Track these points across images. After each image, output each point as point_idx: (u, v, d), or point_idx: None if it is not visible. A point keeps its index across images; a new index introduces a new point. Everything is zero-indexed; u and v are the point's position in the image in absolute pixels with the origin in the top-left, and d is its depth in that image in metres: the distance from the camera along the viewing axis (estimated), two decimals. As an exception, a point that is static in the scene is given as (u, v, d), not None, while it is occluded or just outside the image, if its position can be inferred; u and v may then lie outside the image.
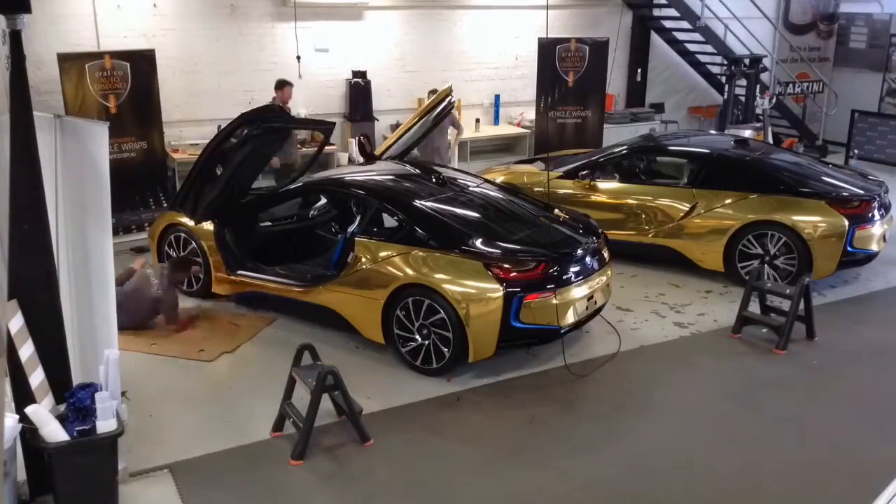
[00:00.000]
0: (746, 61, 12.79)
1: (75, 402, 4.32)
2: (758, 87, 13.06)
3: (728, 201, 8.14)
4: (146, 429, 5.47)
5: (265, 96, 11.28)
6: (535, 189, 8.87)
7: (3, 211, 3.93)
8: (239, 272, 7.32)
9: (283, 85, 9.71)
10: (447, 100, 8.33)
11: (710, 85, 14.54)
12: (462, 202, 6.98)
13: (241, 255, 7.40)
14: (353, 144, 11.14)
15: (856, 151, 13.36)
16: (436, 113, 8.35)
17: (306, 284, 6.93)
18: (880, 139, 13.60)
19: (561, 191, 8.90)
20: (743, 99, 13.16)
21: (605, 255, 6.88)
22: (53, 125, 4.66)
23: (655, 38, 14.13)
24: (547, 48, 12.14)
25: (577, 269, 6.41)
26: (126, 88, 9.67)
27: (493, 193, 7.38)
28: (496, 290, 5.98)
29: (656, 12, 13.86)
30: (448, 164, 8.25)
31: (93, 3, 10.03)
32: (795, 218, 7.79)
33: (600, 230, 7.12)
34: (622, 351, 6.83)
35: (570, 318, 6.35)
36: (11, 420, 4.10)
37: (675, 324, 7.45)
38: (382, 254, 6.46)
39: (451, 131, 10.13)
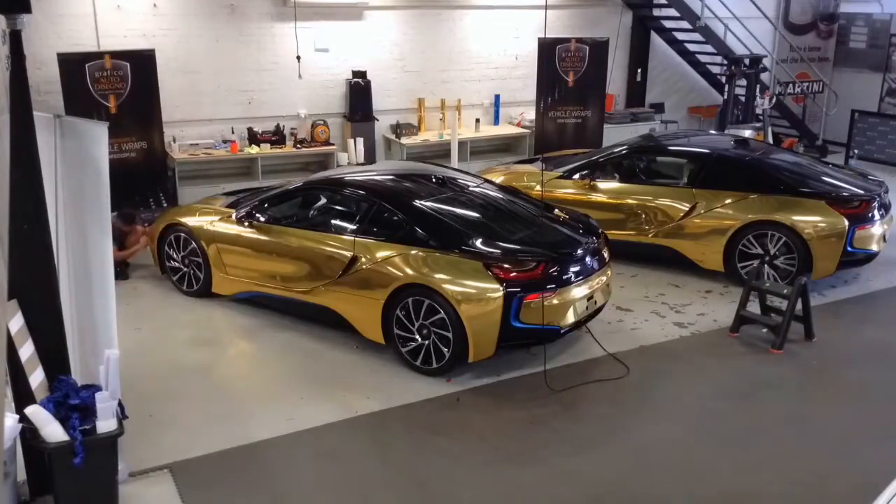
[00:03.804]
0: (746, 61, 12.79)
1: (65, 396, 4.32)
2: (758, 87, 13.06)
3: (728, 201, 8.14)
4: (146, 428, 5.46)
5: (265, 96, 11.31)
6: (536, 189, 8.88)
7: (3, 211, 3.92)
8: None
9: None
10: None
11: (710, 85, 14.53)
12: (462, 202, 6.98)
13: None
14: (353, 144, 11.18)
15: (856, 151, 13.36)
16: None
17: (306, 284, 6.93)
18: (880, 139, 13.60)
19: (561, 191, 8.91)
20: (743, 99, 13.16)
21: (606, 255, 6.88)
22: (53, 125, 4.66)
23: (655, 37, 14.13)
24: (547, 48, 12.14)
25: (577, 269, 6.41)
26: (126, 88, 9.67)
27: (493, 193, 7.38)
28: (496, 290, 5.98)
29: (656, 12, 13.85)
30: None
31: (93, 3, 10.03)
32: (795, 218, 7.79)
33: (600, 230, 7.12)
34: (622, 351, 6.84)
35: (570, 318, 6.35)
36: (11, 420, 4.10)
37: (675, 324, 7.45)
38: (382, 254, 6.46)
39: None
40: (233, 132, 10.92)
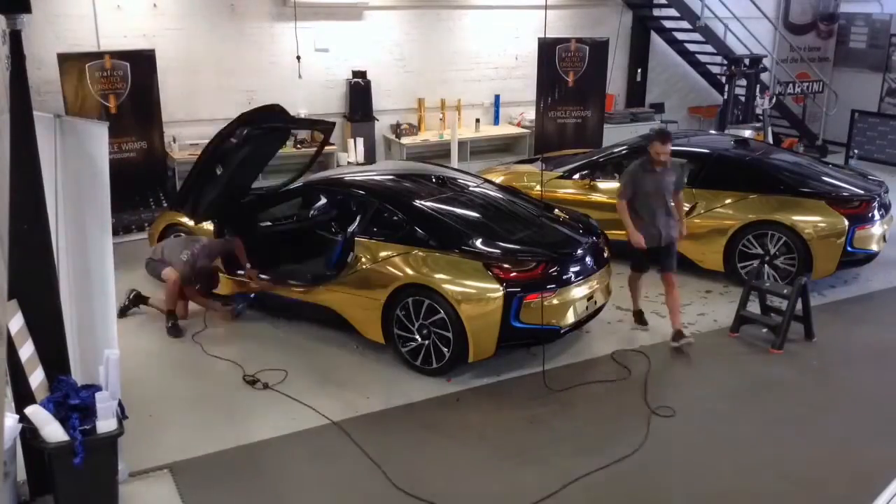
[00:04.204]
0: (746, 61, 12.79)
1: (65, 396, 4.32)
2: (758, 87, 13.05)
3: (728, 201, 8.13)
4: (146, 428, 5.46)
5: (265, 96, 11.29)
6: (536, 189, 8.89)
7: (3, 211, 3.92)
8: (238, 272, 7.33)
9: None
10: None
11: (710, 85, 14.54)
12: (462, 202, 6.98)
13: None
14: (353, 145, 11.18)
15: (855, 151, 13.36)
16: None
17: (306, 284, 6.93)
18: (880, 139, 13.59)
19: (561, 191, 8.90)
20: (743, 99, 13.16)
21: (605, 255, 6.88)
22: (53, 125, 4.66)
23: (655, 38, 14.13)
24: (547, 48, 12.15)
25: (576, 269, 6.41)
26: (126, 88, 9.68)
27: (493, 193, 7.38)
28: (496, 290, 5.98)
29: (656, 12, 13.86)
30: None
31: (93, 3, 10.04)
32: (795, 218, 7.79)
33: (600, 230, 7.12)
34: (620, 350, 6.85)
35: (570, 318, 6.35)
36: (11, 420, 4.10)
37: (675, 324, 7.44)
38: (382, 254, 6.46)
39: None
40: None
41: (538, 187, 8.81)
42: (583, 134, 12.36)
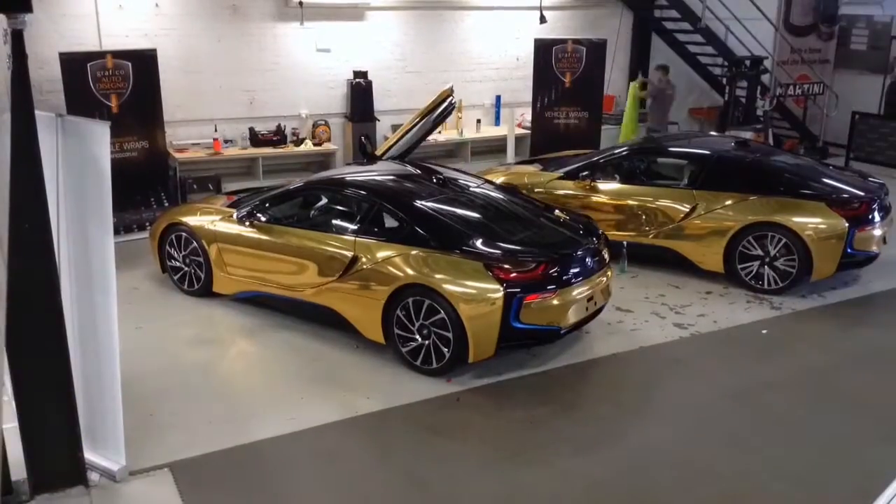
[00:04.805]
0: (747, 63, 12.79)
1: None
2: (758, 88, 13.05)
3: (728, 203, 8.13)
4: (146, 427, 5.47)
5: (266, 96, 11.32)
6: (536, 190, 8.90)
7: (4, 210, 3.93)
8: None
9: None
10: (448, 100, 8.38)
11: (711, 86, 14.53)
12: (463, 202, 6.98)
13: None
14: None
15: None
16: (436, 114, 8.40)
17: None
18: (881, 141, 13.59)
19: (562, 191, 8.91)
20: (743, 100, 13.15)
21: (605, 256, 6.89)
22: (55, 124, 4.66)
23: (657, 39, 14.13)
24: (543, 49, 12.15)
25: (577, 269, 6.41)
26: (128, 88, 9.71)
27: (494, 194, 7.38)
28: (496, 291, 5.99)
29: (657, 14, 13.86)
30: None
31: (95, 2, 10.06)
32: (795, 219, 7.79)
33: (600, 231, 7.13)
34: (622, 352, 6.85)
35: (570, 318, 6.36)
36: None
37: (675, 325, 7.45)
38: (383, 254, 6.47)
39: None
40: (215, 130, 10.89)
41: (538, 188, 8.83)
42: (579, 135, 12.33)
